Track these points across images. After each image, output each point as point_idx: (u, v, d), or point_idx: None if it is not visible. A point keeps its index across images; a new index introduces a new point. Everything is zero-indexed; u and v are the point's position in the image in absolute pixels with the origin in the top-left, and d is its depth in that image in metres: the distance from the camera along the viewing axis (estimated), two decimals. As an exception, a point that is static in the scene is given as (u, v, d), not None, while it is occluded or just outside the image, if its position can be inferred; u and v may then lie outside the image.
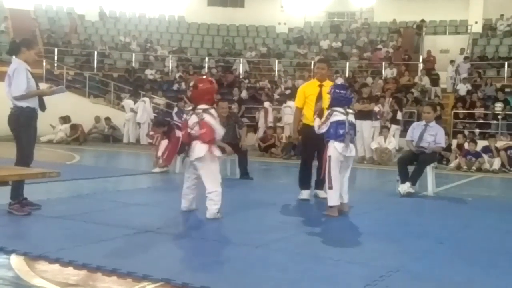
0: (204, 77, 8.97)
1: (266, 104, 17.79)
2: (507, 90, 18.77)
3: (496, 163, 12.54)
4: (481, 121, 17.53)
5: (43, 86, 7.25)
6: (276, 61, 23.49)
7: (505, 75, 20.15)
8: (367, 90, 13.73)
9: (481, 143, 13.45)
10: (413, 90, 19.15)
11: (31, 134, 6.04)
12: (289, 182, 9.77)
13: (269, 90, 20.31)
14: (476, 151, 12.77)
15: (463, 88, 19.31)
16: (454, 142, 13.91)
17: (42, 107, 6.15)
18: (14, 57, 6.12)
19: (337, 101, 6.44)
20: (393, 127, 14.56)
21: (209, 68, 23.03)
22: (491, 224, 6.34)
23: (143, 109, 17.92)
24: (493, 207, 7.69)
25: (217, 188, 5.88)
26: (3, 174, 4.72)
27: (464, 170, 12.36)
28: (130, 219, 5.85)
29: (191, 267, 4.26)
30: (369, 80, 19.90)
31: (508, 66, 20.29)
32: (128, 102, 18.88)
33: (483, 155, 12.70)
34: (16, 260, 4.27)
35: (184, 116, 7.83)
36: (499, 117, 17.04)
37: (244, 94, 20.10)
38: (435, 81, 20.52)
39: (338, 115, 6.36)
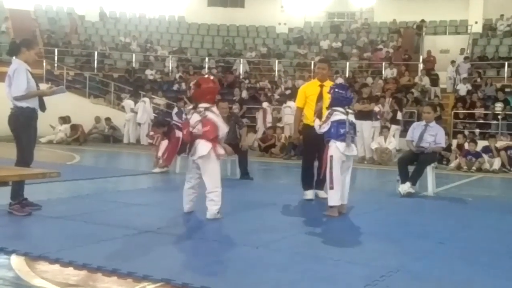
0: (206, 76, 8.96)
1: (265, 104, 17.77)
2: (507, 90, 18.78)
3: (496, 163, 12.54)
4: (481, 121, 17.54)
5: (43, 86, 7.25)
6: (276, 61, 23.50)
7: (505, 75, 20.17)
8: (367, 90, 13.74)
9: (481, 143, 13.45)
10: (413, 90, 19.16)
11: (31, 134, 6.05)
12: (289, 182, 9.79)
13: (269, 91, 20.32)
14: (476, 151, 12.77)
15: (463, 88, 19.32)
16: (454, 142, 13.91)
17: (42, 107, 6.15)
18: (14, 57, 6.13)
19: (338, 101, 6.45)
20: (393, 127, 14.57)
21: (209, 68, 23.04)
22: (491, 224, 6.34)
23: (143, 109, 17.93)
24: (493, 207, 7.68)
25: (217, 188, 5.87)
26: (3, 175, 4.72)
27: (464, 170, 12.36)
28: (130, 219, 5.85)
29: (191, 267, 4.26)
30: (369, 80, 19.91)
31: (508, 66, 20.29)
32: (128, 103, 18.89)
33: (483, 155, 12.70)
34: (16, 261, 4.28)
35: (184, 115, 7.82)
36: (499, 117, 17.05)
37: (244, 94, 20.11)
38: (434, 81, 20.53)
39: (338, 115, 6.36)
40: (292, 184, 8.72)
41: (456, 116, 17.75)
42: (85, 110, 19.00)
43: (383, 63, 21.86)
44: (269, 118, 17.32)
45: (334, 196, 6.29)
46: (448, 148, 12.27)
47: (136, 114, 18.07)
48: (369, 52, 23.62)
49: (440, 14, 25.64)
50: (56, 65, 21.73)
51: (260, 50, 25.14)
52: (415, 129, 8.63)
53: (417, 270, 4.28)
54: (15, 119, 5.97)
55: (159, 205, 6.99)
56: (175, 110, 16.05)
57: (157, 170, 10.26)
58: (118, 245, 4.81)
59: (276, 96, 19.60)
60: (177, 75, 22.26)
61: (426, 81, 20.27)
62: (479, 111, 17.68)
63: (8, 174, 4.85)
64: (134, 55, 23.47)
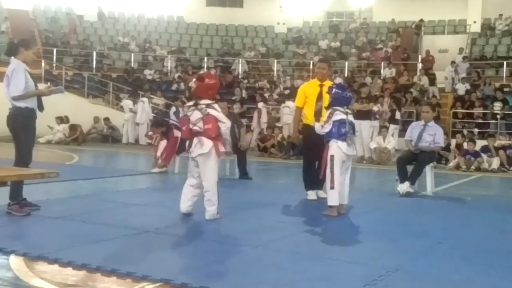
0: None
1: (260, 105, 17.50)
2: (506, 89, 18.82)
3: (495, 162, 12.56)
4: (480, 120, 17.57)
5: (42, 86, 7.24)
6: (275, 61, 23.52)
7: (504, 75, 20.21)
8: (366, 90, 13.73)
9: (480, 143, 13.48)
10: (412, 89, 19.17)
11: (30, 134, 6.04)
12: (288, 182, 9.79)
13: (267, 91, 20.30)
14: (475, 151, 12.78)
15: (462, 88, 19.34)
16: (453, 142, 13.93)
17: (40, 107, 6.14)
18: (12, 57, 6.12)
19: (338, 100, 6.45)
20: (392, 126, 14.57)
21: (208, 68, 23.00)
22: (490, 223, 6.34)
23: (142, 109, 17.93)
24: (492, 206, 7.68)
25: (213, 188, 5.84)
26: (2, 175, 4.71)
27: (463, 170, 12.37)
28: (129, 219, 5.85)
29: (190, 267, 4.26)
30: (368, 80, 19.92)
31: (507, 65, 20.33)
32: (127, 103, 18.88)
33: (482, 154, 12.72)
34: (15, 261, 4.27)
35: (182, 112, 7.76)
36: (498, 116, 17.08)
37: (243, 94, 20.09)
38: (431, 80, 20.55)
39: (339, 114, 6.36)
40: (291, 184, 8.73)
41: (455, 115, 17.77)
42: (83, 110, 18.99)
43: (382, 63, 21.88)
44: (264, 119, 17.16)
45: (334, 196, 6.29)
46: (447, 148, 12.28)
47: (135, 114, 18.07)
48: (368, 52, 23.64)
49: (439, 13, 25.66)
50: (54, 65, 21.71)
51: (259, 50, 25.14)
52: (414, 128, 8.63)
53: (416, 269, 4.28)
54: (14, 119, 5.96)
55: (158, 205, 6.98)
56: (173, 109, 16.00)
57: (156, 170, 10.25)
58: (117, 245, 4.80)
59: (275, 96, 19.60)
60: (176, 75, 22.27)
61: (425, 80, 20.29)
62: (477, 110, 17.70)
63: (6, 174, 4.84)
64: (132, 55, 23.46)
